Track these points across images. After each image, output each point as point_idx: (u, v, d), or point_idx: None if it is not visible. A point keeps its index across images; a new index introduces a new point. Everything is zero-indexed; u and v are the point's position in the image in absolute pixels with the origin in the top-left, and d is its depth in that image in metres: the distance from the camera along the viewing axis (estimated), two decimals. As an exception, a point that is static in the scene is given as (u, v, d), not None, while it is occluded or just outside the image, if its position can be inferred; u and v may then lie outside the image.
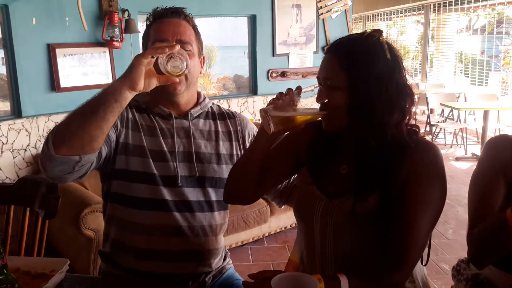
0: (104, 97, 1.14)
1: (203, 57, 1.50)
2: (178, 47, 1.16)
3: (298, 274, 1.00)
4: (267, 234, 3.49)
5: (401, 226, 1.12)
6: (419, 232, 1.13)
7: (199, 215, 1.45)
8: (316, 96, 1.19)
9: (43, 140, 3.26)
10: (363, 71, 1.13)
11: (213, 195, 1.47)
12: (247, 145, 1.56)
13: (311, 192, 1.26)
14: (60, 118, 3.42)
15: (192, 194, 1.44)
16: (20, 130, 3.21)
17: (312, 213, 1.24)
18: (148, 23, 1.46)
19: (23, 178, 1.87)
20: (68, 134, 1.15)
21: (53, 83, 3.30)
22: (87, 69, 3.44)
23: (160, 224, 1.39)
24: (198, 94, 1.54)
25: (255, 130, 1.58)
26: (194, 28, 1.45)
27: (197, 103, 1.51)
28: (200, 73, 1.48)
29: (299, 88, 1.15)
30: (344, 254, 1.21)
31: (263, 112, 1.10)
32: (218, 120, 1.54)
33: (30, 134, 3.26)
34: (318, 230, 1.24)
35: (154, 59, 1.15)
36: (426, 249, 1.22)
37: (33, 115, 3.25)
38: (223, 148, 1.50)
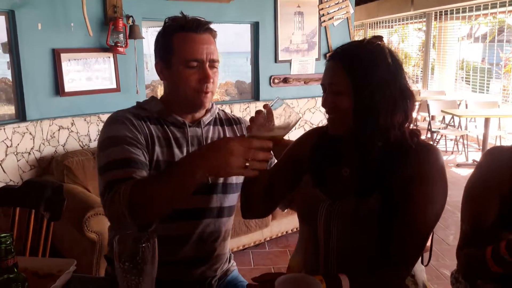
0: (186, 187, 1.13)
1: None
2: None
3: (302, 275, 1.02)
4: (268, 239, 3.51)
5: (402, 224, 1.15)
6: (420, 231, 1.16)
7: (209, 222, 1.45)
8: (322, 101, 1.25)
9: (47, 144, 3.30)
10: (366, 76, 1.16)
11: (223, 201, 1.47)
12: None
13: (315, 195, 1.29)
14: (64, 121, 3.45)
15: (203, 201, 1.43)
16: (24, 133, 3.24)
17: (316, 216, 1.27)
18: (167, 27, 1.41)
19: (29, 180, 1.90)
20: (149, 216, 1.19)
21: (58, 87, 3.33)
22: (91, 74, 3.47)
23: (170, 234, 1.39)
24: None
25: None
26: (215, 40, 1.44)
27: (207, 110, 1.51)
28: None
29: (266, 107, 1.15)
30: (347, 254, 1.23)
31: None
32: (225, 126, 1.55)
33: (34, 138, 3.29)
34: (322, 231, 1.26)
35: None
36: (428, 249, 1.25)
37: (37, 119, 3.28)
38: None
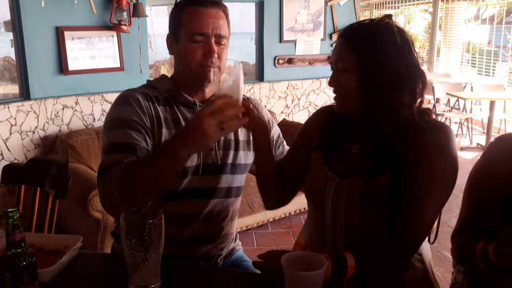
0: (171, 166, 1.15)
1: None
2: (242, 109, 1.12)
3: (308, 253, 1.03)
4: (271, 220, 3.53)
5: (411, 202, 1.14)
6: (427, 208, 1.15)
7: (218, 201, 1.45)
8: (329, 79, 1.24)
9: (51, 123, 3.30)
10: (372, 54, 1.16)
11: (231, 182, 1.47)
12: None
13: (323, 172, 1.29)
14: (67, 100, 3.45)
15: (213, 181, 1.43)
16: (28, 112, 3.24)
17: (324, 193, 1.26)
18: (179, 1, 1.41)
19: (34, 158, 1.90)
20: (138, 197, 1.18)
21: (61, 66, 3.31)
22: (95, 53, 3.45)
23: (179, 212, 1.40)
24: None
25: (269, 116, 1.59)
26: (227, 17, 1.42)
27: None
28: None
29: None
30: (355, 233, 1.23)
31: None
32: None
33: (38, 116, 3.29)
34: (330, 209, 1.26)
35: None
36: (435, 228, 1.24)
37: (41, 97, 3.28)
38: (241, 134, 1.49)
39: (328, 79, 1.26)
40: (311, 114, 1.47)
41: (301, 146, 1.40)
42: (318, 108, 1.49)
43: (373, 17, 1.26)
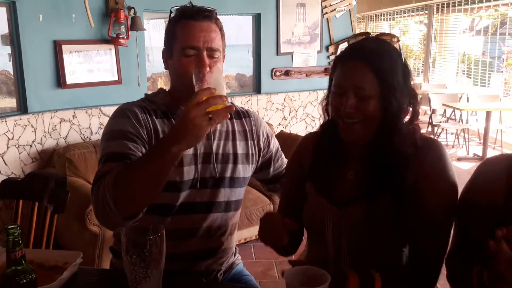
0: (163, 166, 1.13)
1: (224, 56, 1.45)
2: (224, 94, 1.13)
3: (311, 268, 1.00)
4: (270, 232, 3.50)
5: (423, 224, 1.16)
6: (440, 226, 1.17)
7: (217, 216, 1.44)
8: (341, 104, 1.17)
9: (48, 136, 3.29)
10: (393, 79, 1.13)
11: (230, 195, 1.46)
12: (261, 144, 1.55)
13: (319, 203, 1.27)
14: (65, 114, 3.45)
15: (211, 195, 1.42)
16: (26, 126, 3.23)
17: (323, 224, 1.25)
18: (172, 16, 1.40)
19: (32, 173, 1.89)
20: (131, 202, 1.17)
21: (59, 80, 3.31)
22: (93, 66, 3.45)
23: (178, 227, 1.38)
24: None
25: (268, 129, 1.59)
26: (221, 30, 1.41)
27: None
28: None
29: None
30: (359, 258, 1.22)
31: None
32: (234, 119, 1.51)
33: (35, 130, 3.28)
34: (331, 241, 1.25)
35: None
36: None
37: (39, 111, 3.27)
38: (240, 148, 1.48)
39: (331, 97, 1.21)
40: (297, 145, 1.43)
41: (296, 181, 1.37)
42: (303, 137, 1.45)
43: (369, 31, 1.27)
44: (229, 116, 1.10)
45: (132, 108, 1.38)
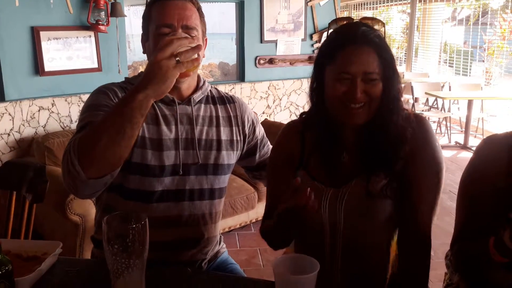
0: (129, 114, 1.07)
1: (206, 39, 1.42)
2: (189, 38, 1.11)
3: (300, 256, 0.98)
4: (254, 220, 3.50)
5: (411, 194, 1.23)
6: (428, 194, 1.24)
7: (201, 203, 1.41)
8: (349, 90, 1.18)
9: (27, 125, 3.21)
10: (393, 61, 1.20)
11: (214, 183, 1.43)
12: (246, 130, 1.52)
13: (313, 186, 1.23)
14: (44, 102, 3.36)
15: (194, 182, 1.39)
16: (3, 114, 3.14)
17: (319, 207, 1.24)
18: (149, 1, 1.38)
19: (9, 162, 1.83)
20: (96, 157, 1.10)
21: (37, 67, 3.22)
22: (72, 53, 3.36)
23: (160, 215, 1.35)
24: (198, 77, 1.47)
25: (253, 115, 1.56)
26: (199, 10, 1.38)
27: (198, 88, 1.45)
28: (203, 56, 1.34)
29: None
30: (355, 239, 1.25)
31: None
32: (218, 105, 1.48)
33: (13, 119, 3.19)
34: (327, 222, 1.25)
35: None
36: None
37: (16, 99, 3.18)
38: (224, 134, 1.45)
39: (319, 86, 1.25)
40: (280, 133, 1.39)
41: (285, 170, 1.34)
42: (285, 125, 1.42)
43: (353, 17, 1.30)
44: (198, 58, 1.08)
45: (111, 87, 1.37)
